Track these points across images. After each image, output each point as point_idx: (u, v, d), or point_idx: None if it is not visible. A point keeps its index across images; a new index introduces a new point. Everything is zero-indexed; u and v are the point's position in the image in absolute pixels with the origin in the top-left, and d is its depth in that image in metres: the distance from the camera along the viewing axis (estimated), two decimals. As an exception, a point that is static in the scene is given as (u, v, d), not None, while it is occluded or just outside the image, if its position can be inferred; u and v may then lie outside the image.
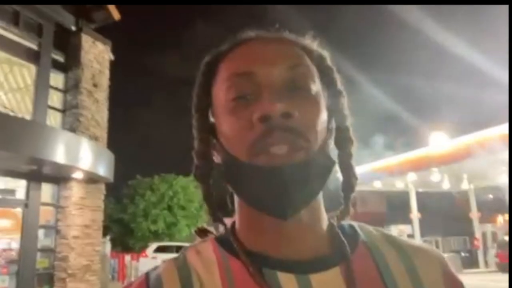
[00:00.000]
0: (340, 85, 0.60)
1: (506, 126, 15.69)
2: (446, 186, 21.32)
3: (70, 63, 9.89)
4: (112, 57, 11.05)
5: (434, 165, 18.48)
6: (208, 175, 0.59)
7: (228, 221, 0.61)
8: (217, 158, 0.58)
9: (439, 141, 18.11)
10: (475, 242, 21.54)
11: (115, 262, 17.86)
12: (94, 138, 9.65)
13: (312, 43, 0.59)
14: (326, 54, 0.60)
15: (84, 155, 8.63)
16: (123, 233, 24.36)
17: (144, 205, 24.62)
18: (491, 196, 26.14)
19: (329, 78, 0.59)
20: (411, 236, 21.93)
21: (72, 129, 9.28)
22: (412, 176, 19.98)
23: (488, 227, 21.84)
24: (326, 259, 0.54)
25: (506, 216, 21.94)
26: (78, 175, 8.88)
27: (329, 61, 0.60)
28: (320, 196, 0.55)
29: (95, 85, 10.10)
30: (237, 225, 0.58)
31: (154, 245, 18.82)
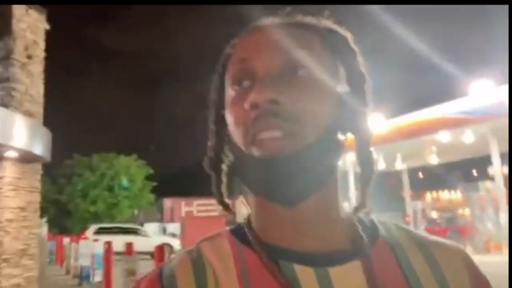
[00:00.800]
0: (361, 67, 0.58)
1: (438, 107, 16.79)
2: (381, 166, 22.50)
3: (0, 32, 9.07)
4: (47, 26, 10.28)
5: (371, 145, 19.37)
6: (218, 167, 0.59)
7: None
8: (226, 148, 0.59)
9: (376, 122, 18.97)
10: (407, 218, 23.06)
11: (53, 245, 17.07)
12: (28, 114, 9.01)
13: (330, 25, 0.57)
14: (346, 35, 0.58)
15: (17, 132, 8.05)
16: (60, 215, 23.31)
17: (83, 185, 23.65)
18: (421, 175, 28.04)
19: (348, 61, 0.57)
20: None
21: (4, 105, 8.58)
22: (350, 157, 20.82)
23: (418, 204, 23.41)
24: (345, 252, 0.53)
25: (434, 194, 23.67)
26: (11, 154, 8.28)
27: (349, 43, 0.58)
28: (334, 185, 0.55)
29: (29, 57, 9.37)
30: (251, 217, 0.57)
31: (94, 227, 18.19)
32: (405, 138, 17.36)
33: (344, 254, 0.53)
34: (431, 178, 25.40)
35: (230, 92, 0.54)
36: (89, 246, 11.25)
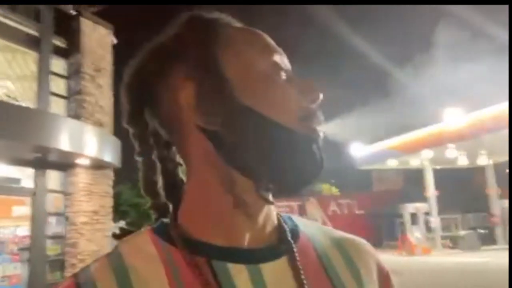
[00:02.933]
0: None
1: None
2: (463, 162, 20.87)
3: (71, 48, 9.77)
4: (114, 40, 10.90)
5: (449, 141, 18.05)
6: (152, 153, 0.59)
7: None
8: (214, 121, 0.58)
9: (453, 117, 17.62)
10: (493, 219, 21.14)
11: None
12: (99, 124, 9.58)
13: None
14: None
15: (88, 141, 8.58)
16: (141, 218, 24.68)
17: (159, 189, 24.86)
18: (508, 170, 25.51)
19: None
20: (428, 214, 21.67)
21: (76, 116, 9.22)
22: (427, 153, 19.58)
23: (506, 203, 21.36)
24: (275, 248, 0.54)
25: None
26: (83, 161, 8.86)
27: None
28: None
29: (97, 70, 9.98)
30: (183, 214, 0.54)
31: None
32: (488, 132, 15.94)
33: (273, 251, 0.53)
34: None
35: (270, 76, 0.52)
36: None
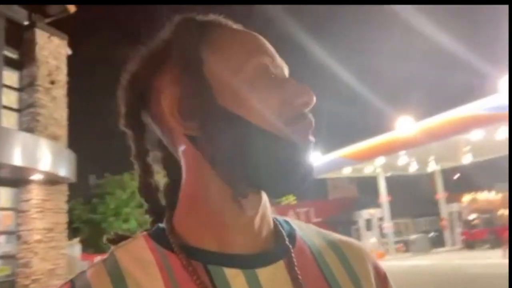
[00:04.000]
0: None
1: (469, 105, 16.16)
2: (413, 169, 21.87)
3: (24, 60, 9.45)
4: (69, 51, 10.63)
5: (401, 148, 18.89)
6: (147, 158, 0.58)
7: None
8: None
9: (405, 125, 18.48)
10: (442, 222, 22.25)
11: (87, 265, 17.43)
12: (53, 137, 9.29)
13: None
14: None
15: (43, 156, 8.30)
16: (94, 234, 23.83)
17: (115, 204, 24.13)
18: (456, 176, 27.03)
19: None
20: (381, 219, 22.48)
21: (30, 129, 8.90)
22: (380, 161, 20.36)
23: (454, 207, 22.56)
24: (272, 253, 0.53)
25: (470, 195, 22.71)
26: (37, 177, 8.54)
27: None
28: None
29: (52, 82, 9.70)
30: (178, 219, 0.54)
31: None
32: (437, 139, 16.82)
33: (269, 255, 0.53)
34: (466, 179, 24.41)
35: (258, 79, 0.51)
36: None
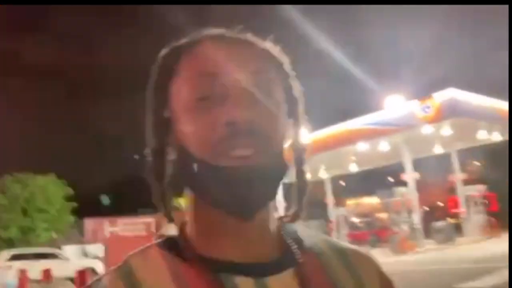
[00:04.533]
0: (297, 91, 0.60)
1: (356, 120, 17.92)
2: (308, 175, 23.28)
3: None
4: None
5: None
6: (163, 173, 0.57)
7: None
8: (171, 155, 0.57)
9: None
10: (330, 225, 24.07)
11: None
12: None
13: (273, 47, 0.58)
14: (285, 59, 0.59)
15: None
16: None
17: (-9, 209, 21.60)
18: (342, 183, 29.49)
19: (287, 84, 0.59)
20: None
21: None
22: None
23: (340, 211, 24.56)
24: (281, 261, 0.54)
25: (355, 200, 24.96)
26: None
27: (288, 67, 0.59)
28: (274, 198, 0.56)
29: None
30: (188, 228, 0.56)
31: (6, 253, 16.65)
32: (327, 149, 18.23)
33: (279, 264, 0.54)
34: (352, 186, 26.80)
35: (189, 103, 0.52)
36: (2, 274, 10.25)
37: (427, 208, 20.48)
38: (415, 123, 17.14)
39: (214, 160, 0.50)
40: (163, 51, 0.58)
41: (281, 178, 0.54)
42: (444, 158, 21.07)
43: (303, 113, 0.60)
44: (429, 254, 15.10)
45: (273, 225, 0.57)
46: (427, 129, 17.32)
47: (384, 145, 18.52)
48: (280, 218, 0.60)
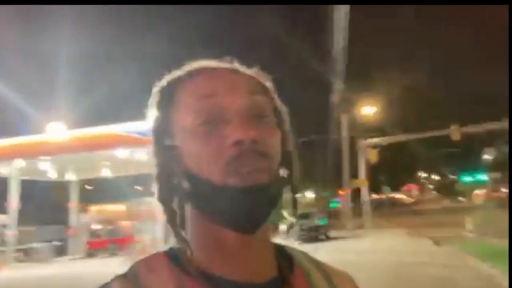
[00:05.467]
0: (284, 112, 0.63)
1: (118, 125, 17.56)
2: (53, 176, 21.23)
3: None
4: None
5: (45, 153, 18.11)
6: (172, 197, 0.58)
7: None
8: (175, 180, 0.58)
9: (55, 130, 17.95)
10: (70, 231, 22.48)
11: None
12: None
13: (259, 73, 0.62)
14: (270, 84, 0.63)
15: None
16: None
17: None
18: (88, 187, 28.08)
19: (275, 106, 0.62)
20: (5, 226, 20.36)
21: None
22: (19, 163, 18.74)
23: (83, 217, 23.28)
24: (275, 281, 0.57)
25: (100, 207, 24.12)
26: None
27: (272, 90, 0.63)
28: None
29: None
30: (192, 244, 0.57)
31: None
32: (83, 150, 17.16)
33: (274, 284, 0.57)
34: (100, 191, 25.85)
35: (196, 128, 0.55)
36: None
37: None
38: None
39: (222, 180, 0.52)
40: (159, 84, 0.61)
41: (281, 194, 0.57)
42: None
43: (290, 131, 0.63)
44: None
45: (270, 242, 0.60)
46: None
47: (141, 154, 18.80)
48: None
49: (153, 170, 0.59)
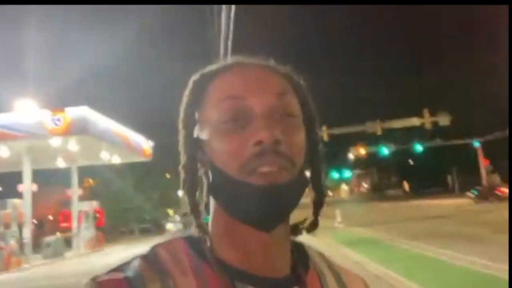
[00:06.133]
0: (314, 112, 0.64)
1: None
2: None
3: None
4: None
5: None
6: (196, 188, 0.60)
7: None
8: (201, 171, 0.60)
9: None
10: None
11: None
12: None
13: (293, 72, 0.63)
14: (303, 83, 0.64)
15: None
16: None
17: None
18: None
19: (306, 105, 0.63)
20: None
21: None
22: None
23: None
24: (289, 278, 0.58)
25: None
26: None
27: (306, 90, 0.64)
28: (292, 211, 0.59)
29: None
30: (211, 234, 0.59)
31: None
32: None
33: (288, 280, 0.58)
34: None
35: (221, 124, 0.56)
36: None
37: (35, 222, 19.61)
38: (43, 133, 16.60)
39: (242, 177, 0.53)
40: (194, 77, 0.62)
41: (302, 194, 0.58)
42: (63, 172, 21.18)
43: (319, 132, 0.65)
44: (36, 270, 14.62)
45: (289, 240, 0.61)
46: (54, 142, 17.09)
47: (4, 150, 16.80)
48: (295, 228, 0.63)
49: (181, 159, 0.60)
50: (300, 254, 0.63)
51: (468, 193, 30.66)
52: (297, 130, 0.58)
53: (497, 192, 27.59)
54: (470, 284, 7.10)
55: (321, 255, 0.66)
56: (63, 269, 14.41)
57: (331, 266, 0.65)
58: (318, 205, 0.64)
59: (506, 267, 7.25)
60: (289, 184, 0.54)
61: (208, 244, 0.57)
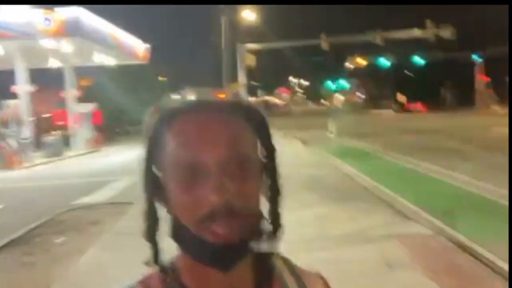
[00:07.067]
0: (273, 142, 0.63)
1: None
2: None
3: None
4: None
5: None
6: (155, 229, 0.62)
7: None
8: (162, 209, 0.61)
9: None
10: None
11: None
12: None
13: (254, 107, 0.61)
14: (263, 115, 0.62)
15: None
16: None
17: None
18: None
19: (265, 137, 0.62)
20: None
21: None
22: None
23: None
24: None
25: None
26: None
27: (266, 122, 0.62)
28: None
29: None
30: (180, 268, 0.62)
31: None
32: None
33: None
34: None
35: (177, 173, 0.56)
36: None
37: (34, 119, 19.53)
38: (34, 33, 16.01)
39: (197, 231, 0.55)
40: (158, 108, 0.60)
41: (258, 233, 0.60)
42: (57, 74, 20.85)
43: (278, 165, 0.64)
44: (38, 168, 15.11)
45: (252, 264, 0.63)
46: (46, 42, 16.59)
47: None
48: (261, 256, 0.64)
49: (141, 196, 0.61)
50: (265, 268, 0.65)
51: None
52: (254, 174, 0.57)
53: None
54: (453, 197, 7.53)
55: (286, 260, 0.69)
56: (64, 168, 14.82)
57: (293, 270, 0.68)
58: (274, 230, 0.64)
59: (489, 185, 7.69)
60: (241, 242, 0.55)
61: (179, 278, 0.61)
